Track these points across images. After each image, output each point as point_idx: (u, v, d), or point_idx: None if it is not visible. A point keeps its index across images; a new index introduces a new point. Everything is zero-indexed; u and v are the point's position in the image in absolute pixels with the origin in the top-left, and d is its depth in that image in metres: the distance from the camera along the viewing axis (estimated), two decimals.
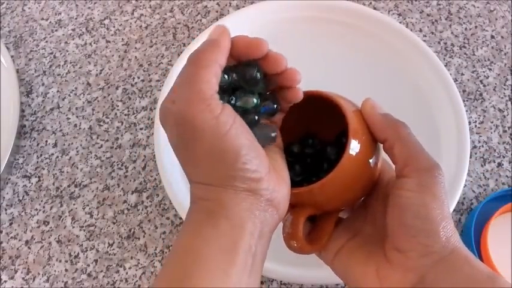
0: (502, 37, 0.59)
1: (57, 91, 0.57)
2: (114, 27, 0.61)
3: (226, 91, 0.29)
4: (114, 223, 0.49)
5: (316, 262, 0.45)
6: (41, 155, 0.53)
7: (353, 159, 0.28)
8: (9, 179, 0.52)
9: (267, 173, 0.27)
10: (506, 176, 0.50)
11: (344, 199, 0.31)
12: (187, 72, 0.27)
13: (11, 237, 0.49)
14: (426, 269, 0.27)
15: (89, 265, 0.47)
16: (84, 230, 0.49)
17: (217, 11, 0.61)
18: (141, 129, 0.54)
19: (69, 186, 0.51)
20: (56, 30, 0.61)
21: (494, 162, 0.51)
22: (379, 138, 0.30)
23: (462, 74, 0.56)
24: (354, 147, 0.28)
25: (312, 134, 0.35)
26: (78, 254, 0.48)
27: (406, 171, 0.28)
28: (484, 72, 0.56)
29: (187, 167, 0.27)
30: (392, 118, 0.30)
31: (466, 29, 0.59)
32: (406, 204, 0.27)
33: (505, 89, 0.55)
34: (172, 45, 0.59)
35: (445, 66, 0.52)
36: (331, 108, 0.30)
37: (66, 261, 0.47)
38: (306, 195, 0.29)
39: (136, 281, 0.46)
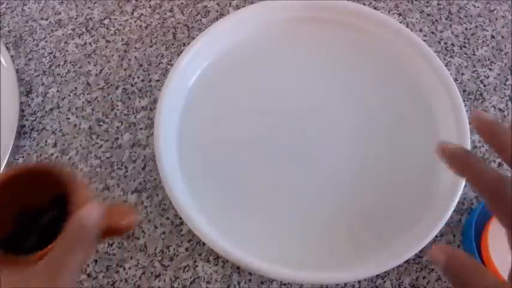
0: (503, 37, 0.59)
1: (57, 91, 0.57)
2: (114, 27, 0.61)
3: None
4: None
5: (316, 262, 0.45)
6: (41, 155, 0.53)
7: None
8: None
9: None
10: (507, 176, 0.50)
11: None
12: None
13: None
14: None
15: (88, 265, 0.47)
16: None
17: (217, 11, 0.61)
18: (141, 129, 0.54)
19: None
20: (56, 30, 0.61)
21: (495, 162, 0.51)
22: None
23: (462, 74, 0.56)
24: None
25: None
26: None
27: None
28: (484, 72, 0.56)
29: None
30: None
31: (466, 28, 0.59)
32: None
33: (505, 89, 0.55)
34: (172, 45, 0.59)
35: (445, 66, 0.52)
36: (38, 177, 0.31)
37: None
38: None
39: (136, 281, 0.46)
